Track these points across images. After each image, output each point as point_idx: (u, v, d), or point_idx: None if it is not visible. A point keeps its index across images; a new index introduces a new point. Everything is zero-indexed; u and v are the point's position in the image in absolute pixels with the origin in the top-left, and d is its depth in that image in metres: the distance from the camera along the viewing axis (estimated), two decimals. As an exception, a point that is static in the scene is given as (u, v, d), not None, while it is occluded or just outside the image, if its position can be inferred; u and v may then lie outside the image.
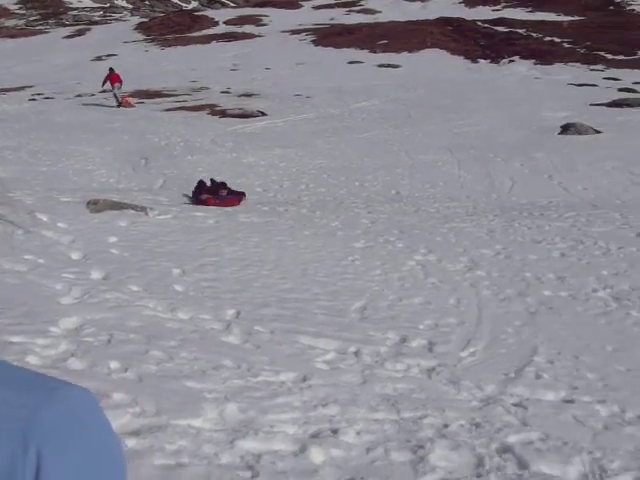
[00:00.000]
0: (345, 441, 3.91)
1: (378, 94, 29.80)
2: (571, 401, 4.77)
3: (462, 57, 46.57)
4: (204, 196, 11.47)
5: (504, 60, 45.14)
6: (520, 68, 42.00)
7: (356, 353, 5.42)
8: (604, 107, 26.15)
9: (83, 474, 0.82)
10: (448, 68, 41.24)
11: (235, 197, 11.73)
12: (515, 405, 4.60)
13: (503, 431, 4.13)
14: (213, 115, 24.73)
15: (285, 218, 10.29)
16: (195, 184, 12.34)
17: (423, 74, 37.25)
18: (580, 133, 20.70)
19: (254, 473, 3.49)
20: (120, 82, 28.25)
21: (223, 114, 24.65)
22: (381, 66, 42.23)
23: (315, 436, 3.95)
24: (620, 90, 30.84)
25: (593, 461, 3.82)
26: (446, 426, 4.17)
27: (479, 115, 24.81)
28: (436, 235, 9.50)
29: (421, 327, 6.14)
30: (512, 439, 4.03)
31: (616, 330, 6.37)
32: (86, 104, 28.02)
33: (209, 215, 10.01)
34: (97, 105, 27.54)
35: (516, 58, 45.32)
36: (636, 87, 32.18)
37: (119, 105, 27.26)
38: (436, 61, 44.54)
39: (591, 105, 26.62)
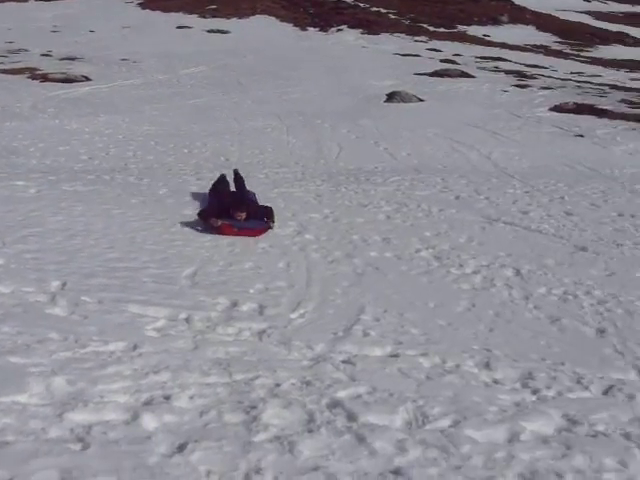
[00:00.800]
0: (178, 406, 3.91)
1: (207, 60, 29.37)
2: (396, 355, 5.01)
3: (291, 25, 46.71)
4: (217, 223, 8.12)
5: (332, 29, 45.75)
6: (348, 37, 42.76)
7: (187, 319, 5.40)
8: (427, 77, 27.28)
9: None
10: (278, 35, 41.28)
11: (260, 226, 8.35)
12: (344, 362, 4.78)
13: (333, 387, 4.28)
14: (33, 79, 23.40)
15: (111, 186, 9.97)
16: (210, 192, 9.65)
17: (253, 41, 37.07)
18: (404, 101, 21.49)
19: (85, 445, 3.43)
20: None
21: (44, 78, 23.39)
22: (210, 32, 41.57)
23: (147, 403, 3.92)
24: (442, 61, 32.19)
25: (416, 409, 4.05)
26: (278, 385, 4.26)
27: (308, 82, 25.10)
28: (265, 200, 9.56)
29: (251, 291, 6.21)
30: (341, 394, 4.19)
31: (437, 287, 6.73)
32: None
33: (30, 184, 9.51)
34: None
35: (344, 27, 46.05)
36: (456, 59, 33.71)
37: None
38: (266, 28, 44.41)
39: (415, 75, 27.66)
